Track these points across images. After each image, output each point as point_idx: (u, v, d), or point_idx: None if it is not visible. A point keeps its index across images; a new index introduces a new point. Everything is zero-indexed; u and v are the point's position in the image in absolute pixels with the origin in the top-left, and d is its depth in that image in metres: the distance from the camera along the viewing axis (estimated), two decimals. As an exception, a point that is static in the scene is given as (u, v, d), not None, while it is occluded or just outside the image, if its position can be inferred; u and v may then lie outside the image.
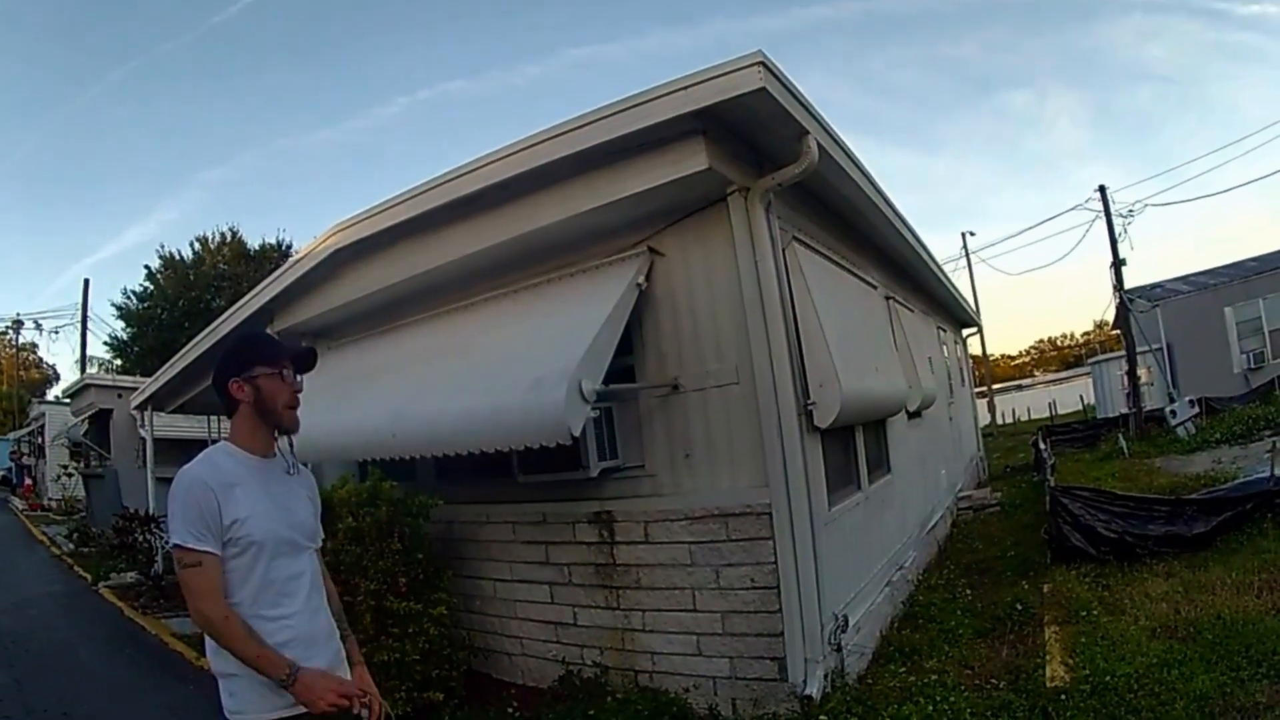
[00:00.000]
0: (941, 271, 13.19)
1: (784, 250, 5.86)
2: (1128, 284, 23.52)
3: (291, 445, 2.87)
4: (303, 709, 2.55)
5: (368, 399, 6.31)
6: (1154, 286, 26.98)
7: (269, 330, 8.60)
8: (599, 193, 5.58)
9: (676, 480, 5.88)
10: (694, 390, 5.80)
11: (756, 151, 5.59)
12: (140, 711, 7.03)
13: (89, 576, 14.16)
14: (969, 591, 8.21)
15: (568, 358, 5.07)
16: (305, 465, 2.90)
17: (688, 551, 5.76)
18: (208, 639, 2.59)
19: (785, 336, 5.54)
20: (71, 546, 17.78)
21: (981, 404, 28.06)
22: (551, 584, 6.54)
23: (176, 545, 2.49)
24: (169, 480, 10.03)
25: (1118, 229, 23.65)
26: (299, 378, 2.84)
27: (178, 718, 6.82)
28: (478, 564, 7.03)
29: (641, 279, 5.82)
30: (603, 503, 6.19)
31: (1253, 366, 23.93)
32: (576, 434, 4.94)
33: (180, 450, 16.77)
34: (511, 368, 5.49)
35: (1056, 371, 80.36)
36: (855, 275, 7.97)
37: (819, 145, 5.38)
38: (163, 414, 13.59)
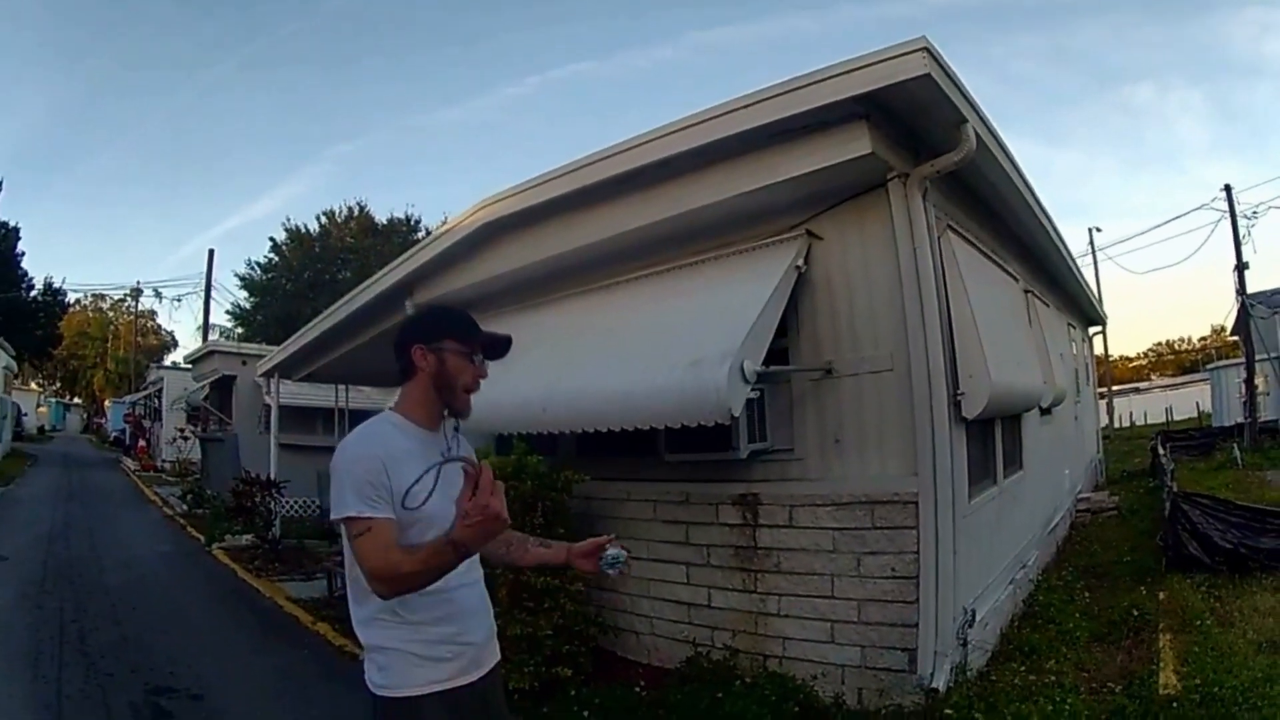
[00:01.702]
0: (1075, 266, 12.93)
1: (939, 238, 5.81)
2: (1250, 288, 22.60)
3: (457, 427, 2.71)
4: (459, 682, 2.51)
5: (515, 373, 6.41)
6: (1275, 293, 25.85)
7: (408, 303, 8.81)
8: (759, 174, 5.60)
9: (825, 465, 5.87)
10: (847, 375, 5.78)
11: (915, 138, 5.54)
12: (248, 673, 7.00)
13: (202, 538, 14.40)
14: (1086, 594, 8.15)
15: (730, 338, 5.10)
16: (466, 444, 2.76)
17: (831, 538, 5.75)
18: (354, 608, 2.53)
19: (939, 325, 5.50)
20: (185, 508, 18.12)
21: (1101, 405, 27.32)
22: (689, 564, 6.58)
23: (346, 518, 2.35)
24: (291, 446, 10.36)
25: (1241, 231, 22.79)
26: (486, 364, 2.71)
27: (287, 680, 6.84)
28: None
29: (800, 261, 5.82)
30: (749, 485, 6.20)
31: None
32: (737, 414, 4.98)
33: (304, 418, 17.47)
34: (669, 346, 5.54)
35: (1173, 376, 77.62)
36: (999, 266, 7.87)
37: (976, 134, 5.33)
38: (288, 382, 14.00)
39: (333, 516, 2.40)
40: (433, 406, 2.64)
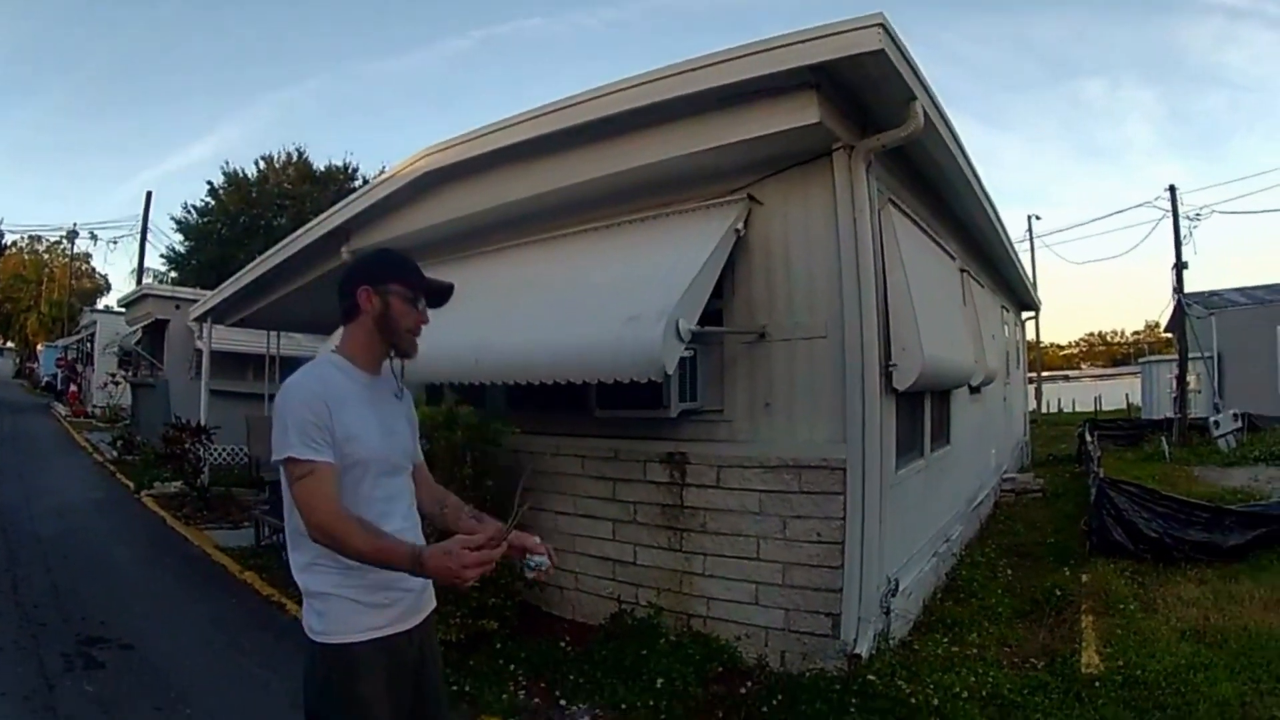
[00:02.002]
0: (1013, 250, 13.12)
1: (880, 211, 5.87)
2: (1186, 288, 23.11)
3: (402, 369, 2.76)
4: (397, 629, 2.53)
5: (449, 323, 6.32)
6: (1211, 294, 26.42)
7: (344, 250, 8.70)
8: (706, 136, 5.60)
9: (754, 428, 5.93)
10: (780, 340, 5.83)
11: (863, 111, 5.57)
12: (178, 623, 6.94)
13: (132, 485, 14.14)
14: (1009, 572, 8.31)
15: (666, 296, 5.11)
16: (404, 389, 2.82)
17: (758, 500, 5.81)
18: (293, 554, 2.53)
19: (875, 297, 5.57)
20: (115, 454, 17.85)
21: (1030, 390, 27.88)
22: (615, 521, 6.62)
23: (288, 459, 2.35)
24: (222, 393, 10.23)
25: (1183, 231, 23.31)
26: (428, 311, 2.73)
27: (217, 630, 6.77)
28: (542, 495, 7.08)
29: (740, 225, 5.84)
30: (678, 444, 6.24)
31: (1299, 390, 23.47)
32: (670, 372, 5.01)
33: (235, 364, 17.23)
34: (606, 302, 5.53)
35: (1104, 366, 79.59)
36: (937, 243, 7.96)
37: (924, 112, 5.37)
38: (221, 327, 13.79)
39: (274, 458, 2.40)
40: (376, 349, 2.65)
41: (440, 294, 2.76)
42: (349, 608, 2.45)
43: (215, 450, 14.68)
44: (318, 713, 2.48)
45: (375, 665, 2.46)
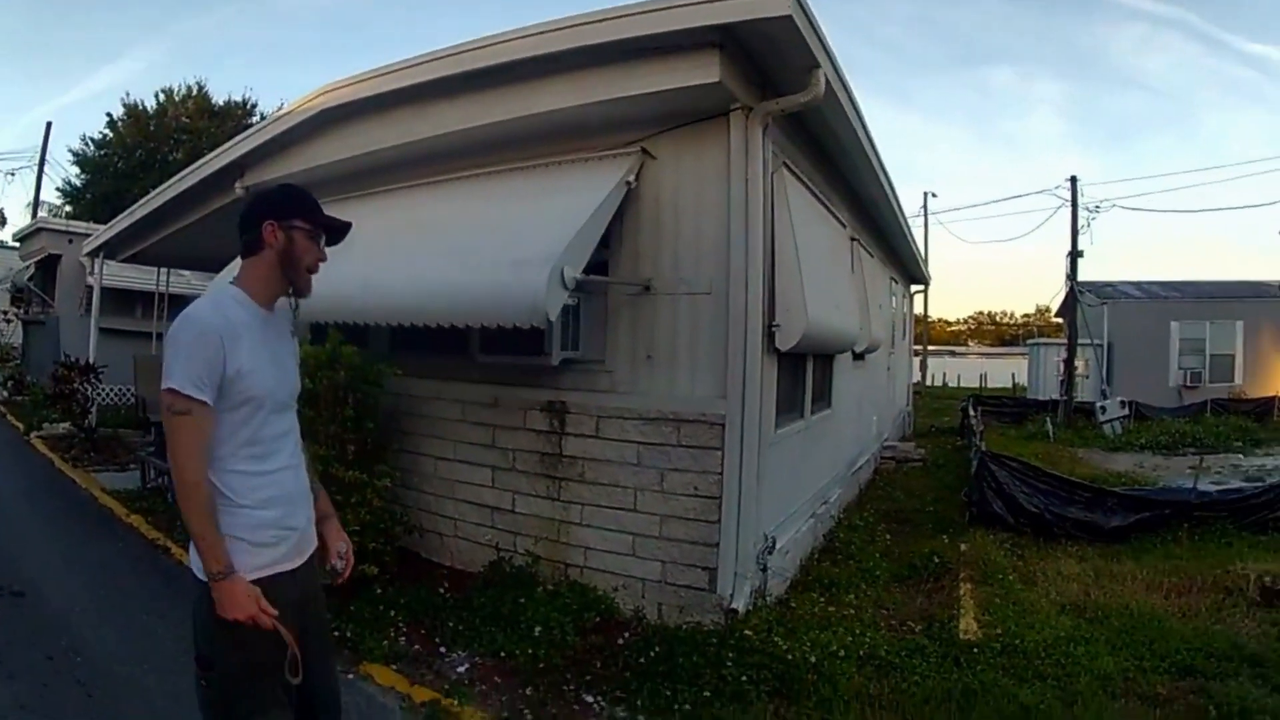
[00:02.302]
0: (905, 224, 13.42)
1: (773, 174, 5.91)
2: (1080, 277, 23.82)
3: (296, 306, 2.78)
4: (282, 568, 2.56)
5: (338, 261, 6.22)
6: (1105, 285, 27.27)
7: (238, 185, 8.51)
8: (605, 88, 5.56)
9: (635, 379, 5.96)
10: (665, 294, 5.86)
11: (764, 74, 5.59)
12: (68, 569, 6.81)
13: (21, 426, 13.87)
14: (888, 537, 8.47)
15: (552, 243, 5.11)
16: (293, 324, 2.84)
17: (636, 451, 5.86)
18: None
19: (762, 257, 5.62)
20: (5, 395, 17.45)
21: (915, 363, 28.51)
22: (494, 468, 6.61)
23: (170, 389, 2.36)
24: (111, 331, 9.95)
25: (1081, 221, 23.88)
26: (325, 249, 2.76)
27: (107, 574, 6.67)
28: (422, 440, 7.07)
29: (632, 177, 5.84)
30: (558, 392, 6.25)
31: (1188, 384, 24.55)
32: (553, 318, 5.02)
33: (125, 301, 16.74)
34: (494, 247, 5.51)
35: (991, 345, 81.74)
36: (829, 210, 8.06)
37: (826, 80, 5.42)
38: (112, 263, 13.38)
39: (163, 386, 2.39)
40: (275, 285, 2.65)
41: (338, 232, 2.78)
42: (235, 546, 2.43)
43: (103, 390, 14.26)
44: (208, 655, 2.49)
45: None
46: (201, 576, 2.43)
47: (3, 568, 6.59)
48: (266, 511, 2.52)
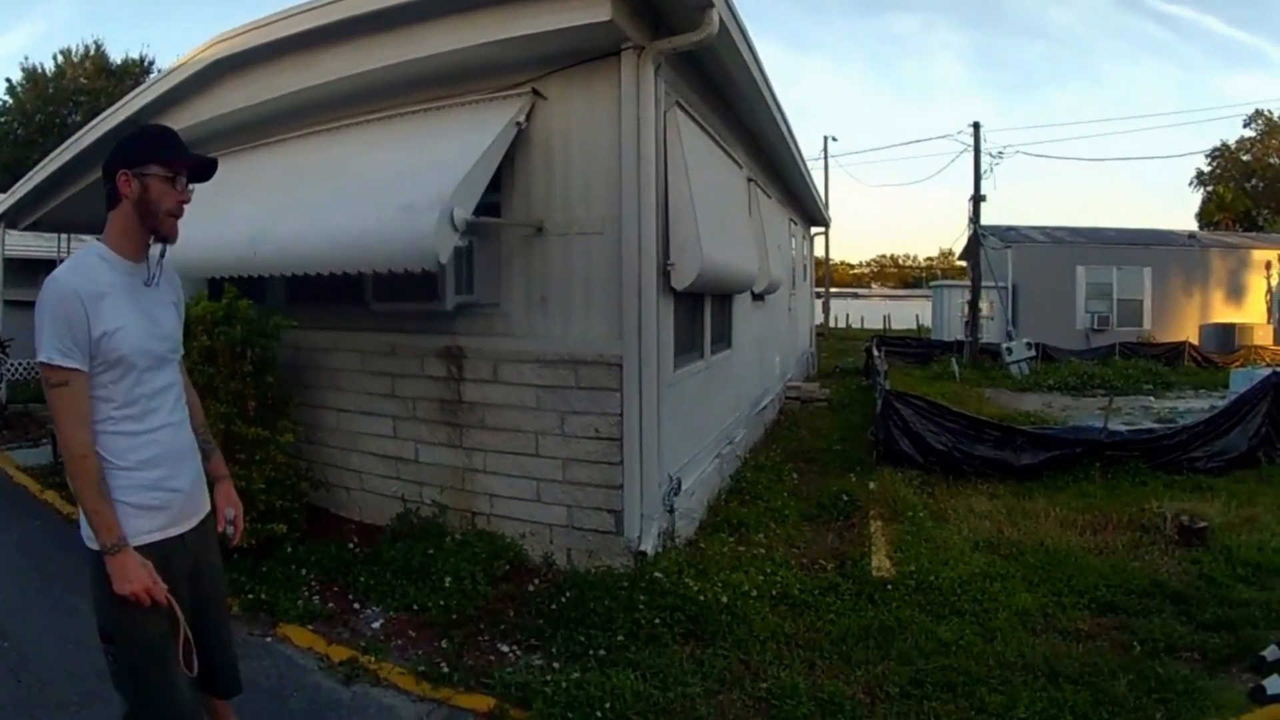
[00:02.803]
0: (804, 165, 13.52)
1: (665, 113, 5.89)
2: (984, 221, 24.34)
3: (163, 254, 2.66)
4: (170, 533, 2.54)
5: (231, 214, 6.13)
6: (1009, 229, 27.95)
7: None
8: (494, 29, 5.48)
9: (530, 323, 5.96)
10: (558, 235, 5.84)
11: (656, 13, 5.54)
12: None
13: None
14: (795, 476, 8.58)
15: (441, 185, 5.05)
16: (171, 270, 2.76)
17: (535, 395, 5.87)
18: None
19: (655, 197, 5.61)
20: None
21: (817, 304, 28.93)
22: (395, 418, 6.58)
23: (43, 363, 2.36)
24: (17, 303, 9.62)
25: (984, 167, 24.44)
26: (191, 187, 2.65)
27: (26, 555, 6.55)
28: (322, 393, 7.01)
29: (522, 118, 5.78)
30: (454, 338, 6.22)
31: (1095, 327, 25.28)
32: (444, 261, 4.97)
33: (29, 271, 16.24)
34: (383, 191, 5.42)
35: (894, 288, 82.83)
36: (725, 151, 8.07)
37: (720, 19, 5.41)
38: (14, 232, 13.00)
39: (37, 359, 2.39)
40: (137, 235, 2.57)
41: (203, 169, 2.70)
42: (121, 510, 2.41)
43: (11, 365, 13.90)
44: (108, 629, 2.48)
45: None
46: (93, 546, 2.42)
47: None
48: (147, 473, 2.49)
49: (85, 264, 2.50)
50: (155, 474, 2.50)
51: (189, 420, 2.75)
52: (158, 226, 2.56)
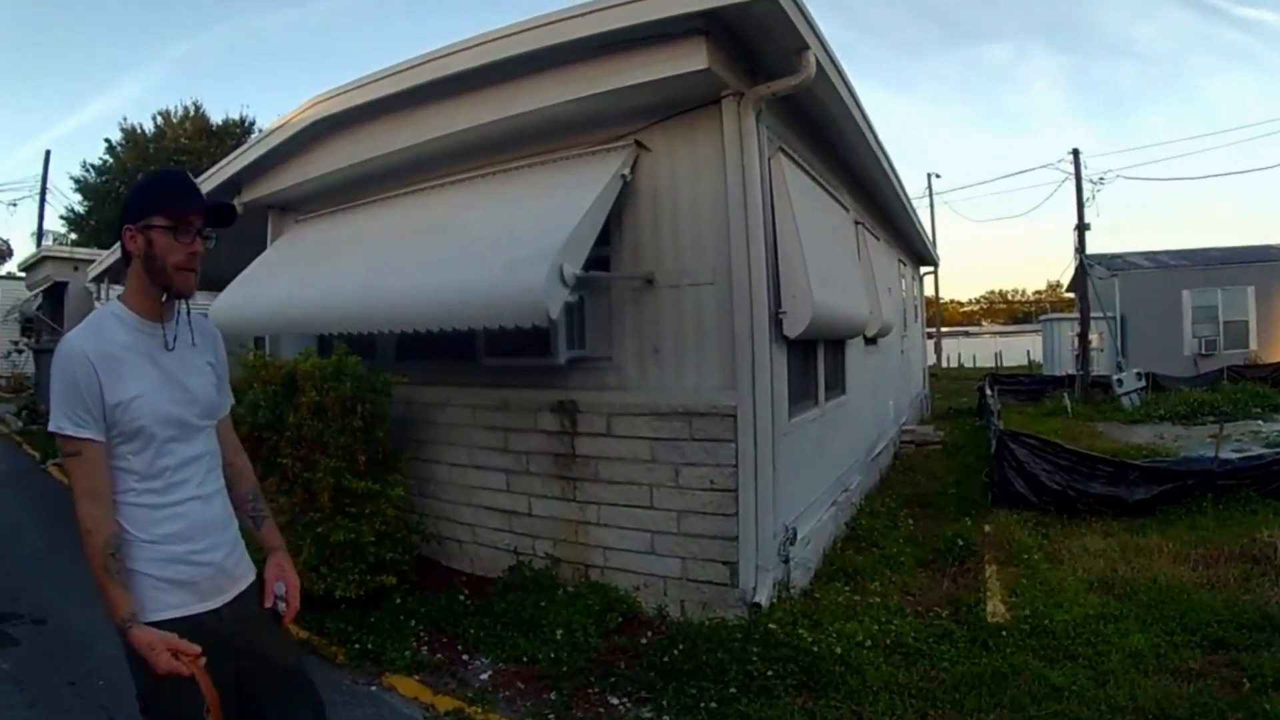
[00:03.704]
0: (909, 204, 13.31)
1: (770, 159, 5.86)
2: (1089, 250, 23.70)
3: (189, 310, 2.48)
4: (201, 608, 2.33)
5: (338, 272, 6.24)
6: (1114, 257, 27.18)
7: (236, 202, 8.45)
8: (592, 82, 5.51)
9: (643, 375, 5.92)
10: (668, 286, 5.81)
11: (753, 59, 5.53)
12: (90, 593, 6.46)
13: (37, 454, 13.79)
14: (910, 522, 8.37)
15: (550, 240, 5.05)
16: (208, 327, 2.61)
17: (649, 448, 5.81)
18: None
19: (764, 243, 5.56)
20: (20, 424, 17.24)
21: (929, 345, 28.42)
22: (508, 472, 6.58)
23: (54, 432, 2.21)
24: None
25: (1086, 194, 23.78)
26: (210, 235, 2.43)
27: None
28: (434, 447, 7.04)
29: (626, 171, 5.78)
30: (567, 392, 6.21)
31: (1203, 352, 24.33)
32: (554, 316, 4.95)
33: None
34: (491, 247, 5.45)
35: (1004, 324, 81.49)
36: (830, 194, 7.98)
37: (817, 61, 5.37)
38: (118, 286, 13.36)
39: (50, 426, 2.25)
40: (150, 293, 2.38)
41: (219, 213, 2.46)
42: (146, 584, 2.26)
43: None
44: (144, 697, 2.31)
45: None
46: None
47: (23, 596, 6.58)
48: (173, 546, 2.31)
49: (99, 323, 2.35)
50: (182, 548, 2.32)
51: (225, 490, 2.56)
52: (169, 283, 2.36)
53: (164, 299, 2.40)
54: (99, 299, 13.91)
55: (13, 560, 7.74)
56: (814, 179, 7.23)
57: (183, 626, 2.24)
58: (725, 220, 5.54)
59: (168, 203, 2.35)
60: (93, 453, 2.22)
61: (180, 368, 2.43)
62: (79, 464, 2.21)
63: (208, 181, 8.68)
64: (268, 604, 2.57)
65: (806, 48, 5.25)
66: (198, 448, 2.44)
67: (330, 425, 5.89)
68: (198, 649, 2.16)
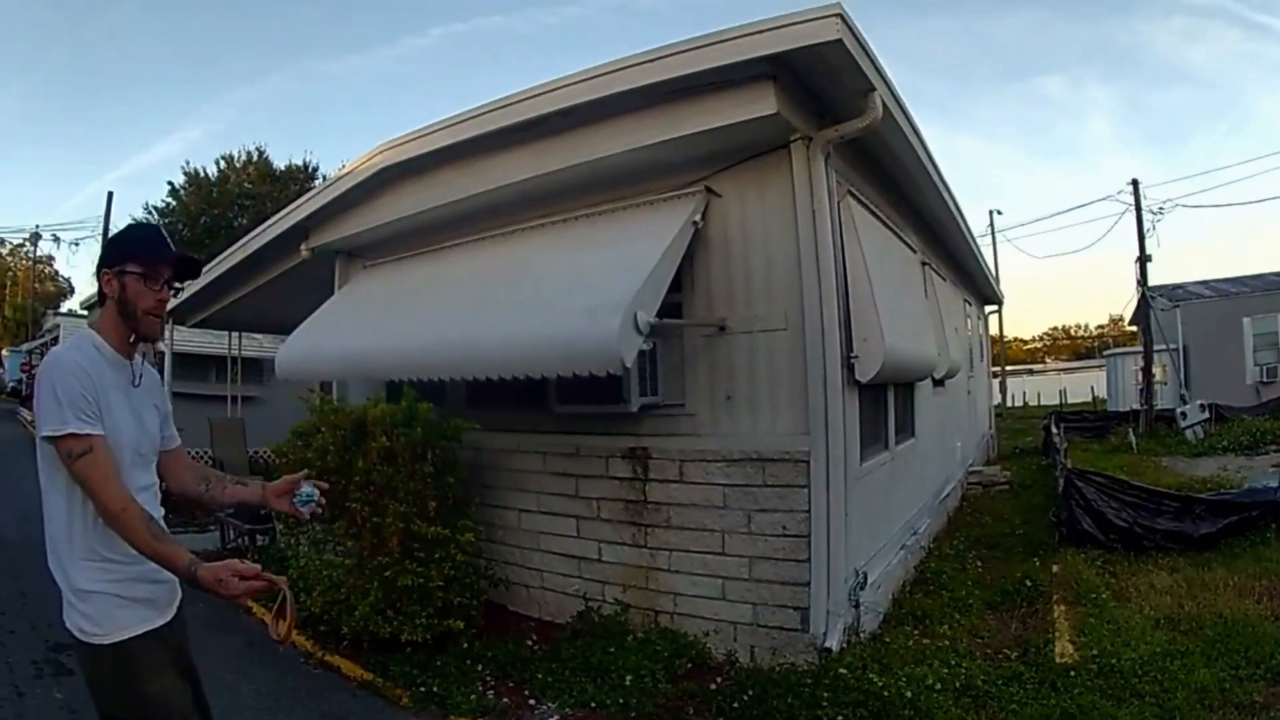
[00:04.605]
0: (974, 243, 13.22)
1: (839, 203, 5.85)
2: (1150, 281, 23.32)
3: (144, 356, 2.73)
4: (155, 626, 2.50)
5: (408, 318, 6.31)
6: (1175, 287, 26.73)
7: (303, 248, 8.60)
8: (662, 128, 5.56)
9: (716, 421, 5.90)
10: (740, 333, 5.80)
11: (821, 102, 5.55)
12: None
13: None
14: (978, 564, 8.29)
15: (624, 288, 5.07)
16: (153, 373, 2.77)
17: (721, 494, 5.79)
18: (60, 546, 2.47)
19: (835, 288, 5.55)
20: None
21: (994, 384, 28.05)
22: (579, 518, 6.58)
23: (69, 434, 2.31)
24: (187, 395, 9.98)
25: (1146, 225, 23.41)
26: (177, 286, 2.71)
27: (191, 633, 6.68)
28: (504, 493, 7.06)
29: (698, 217, 5.80)
30: (639, 439, 6.21)
31: (1265, 380, 23.64)
32: (629, 364, 4.96)
33: (197, 366, 16.99)
34: (563, 295, 5.49)
35: (1068, 360, 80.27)
36: (898, 236, 7.97)
37: (883, 103, 5.37)
38: (183, 329, 13.68)
39: (46, 432, 2.34)
40: (123, 332, 2.60)
41: (184, 266, 2.70)
42: (113, 604, 2.42)
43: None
44: (111, 716, 2.45)
45: (157, 658, 2.48)
46: (87, 636, 2.41)
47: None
48: (138, 566, 2.43)
49: (85, 349, 2.52)
50: (146, 567, 2.42)
51: (161, 516, 2.63)
52: (137, 325, 2.59)
53: (131, 339, 2.62)
54: (163, 340, 14.17)
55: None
56: (881, 220, 7.22)
57: (150, 639, 2.48)
58: (796, 265, 5.54)
59: (142, 252, 2.61)
60: (102, 447, 2.36)
61: (140, 404, 2.63)
62: (91, 459, 2.34)
63: (275, 227, 8.86)
64: (305, 485, 2.81)
65: (873, 89, 5.26)
66: (151, 477, 2.65)
67: (400, 470, 5.93)
68: (258, 567, 2.33)
